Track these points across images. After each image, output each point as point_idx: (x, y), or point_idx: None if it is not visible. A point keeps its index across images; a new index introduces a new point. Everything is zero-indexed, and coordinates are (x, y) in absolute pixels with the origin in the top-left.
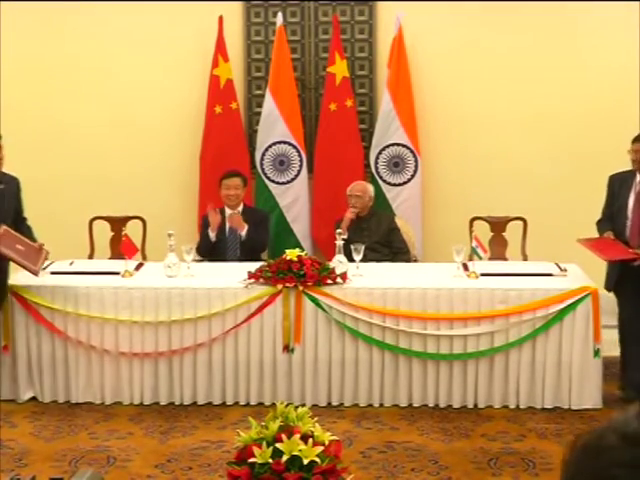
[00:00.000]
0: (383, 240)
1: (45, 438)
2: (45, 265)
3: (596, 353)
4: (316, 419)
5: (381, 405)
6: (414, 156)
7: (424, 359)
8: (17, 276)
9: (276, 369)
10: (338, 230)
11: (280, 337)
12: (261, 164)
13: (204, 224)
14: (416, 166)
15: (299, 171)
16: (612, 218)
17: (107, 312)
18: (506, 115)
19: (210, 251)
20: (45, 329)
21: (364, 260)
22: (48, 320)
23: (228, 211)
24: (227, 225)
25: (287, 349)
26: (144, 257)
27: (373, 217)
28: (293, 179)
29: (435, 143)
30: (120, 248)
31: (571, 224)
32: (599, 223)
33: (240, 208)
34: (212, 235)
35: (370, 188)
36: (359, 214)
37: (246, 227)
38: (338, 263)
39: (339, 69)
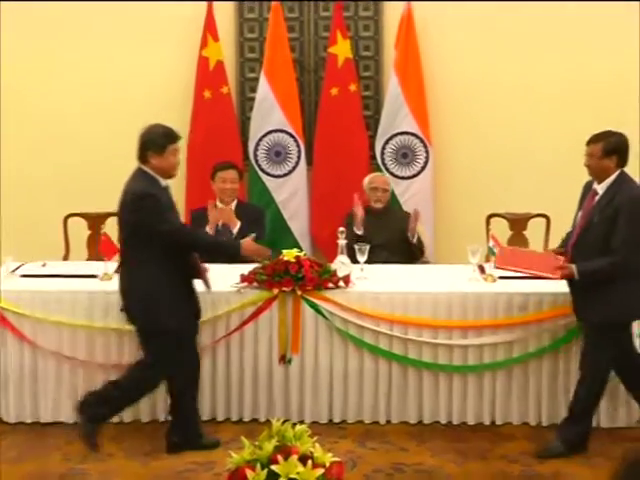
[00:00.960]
0: (397, 239)
1: (11, 460)
2: (14, 267)
3: None
4: (316, 438)
5: (388, 422)
6: (424, 146)
7: (435, 371)
8: None
9: (272, 382)
10: (341, 228)
11: (276, 347)
12: (255, 155)
13: (193, 220)
14: (427, 157)
15: (297, 163)
16: None
17: (82, 319)
18: (527, 101)
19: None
20: (12, 337)
21: (377, 261)
22: (16, 327)
23: (212, 204)
24: (220, 222)
25: (284, 360)
26: None
27: (389, 213)
28: (290, 172)
29: (448, 132)
30: (98, 248)
31: None
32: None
33: (234, 204)
34: (209, 230)
35: (390, 180)
36: (374, 209)
37: (238, 223)
38: (340, 265)
39: (341, 50)
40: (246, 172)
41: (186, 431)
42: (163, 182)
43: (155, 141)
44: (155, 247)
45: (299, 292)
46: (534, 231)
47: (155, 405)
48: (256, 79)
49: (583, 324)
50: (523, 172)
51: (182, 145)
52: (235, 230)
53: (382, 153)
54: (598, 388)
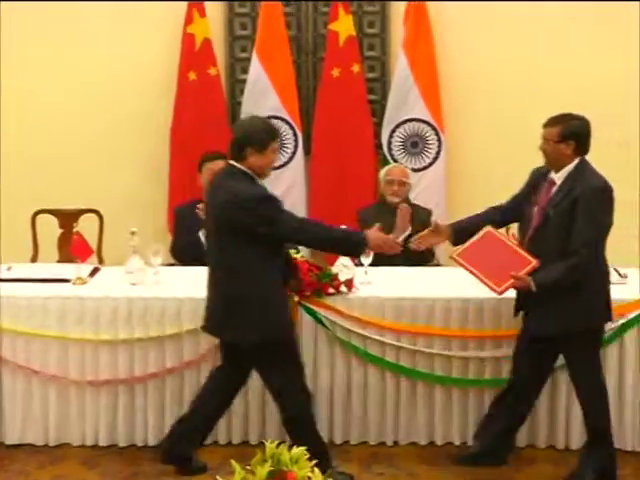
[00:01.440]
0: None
1: None
2: None
3: None
4: (315, 462)
5: (395, 444)
6: (437, 134)
7: (448, 386)
8: None
9: (264, 400)
10: (342, 227)
11: None
12: None
13: (178, 218)
14: (439, 147)
15: (294, 153)
16: (512, 212)
17: (53, 328)
18: (551, 86)
19: (192, 253)
20: None
21: (385, 262)
22: None
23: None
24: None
25: None
26: (100, 260)
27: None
28: (286, 163)
29: (463, 119)
30: (70, 249)
31: (632, 220)
32: (492, 209)
33: None
34: (203, 239)
35: (410, 172)
36: (390, 204)
37: None
38: (342, 268)
39: (343, 26)
40: None
41: (187, 445)
42: (259, 182)
43: (257, 137)
44: (261, 247)
45: (296, 298)
46: None
47: (134, 426)
48: (247, 59)
49: (544, 347)
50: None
51: (165, 133)
52: None
53: (389, 142)
54: (602, 405)
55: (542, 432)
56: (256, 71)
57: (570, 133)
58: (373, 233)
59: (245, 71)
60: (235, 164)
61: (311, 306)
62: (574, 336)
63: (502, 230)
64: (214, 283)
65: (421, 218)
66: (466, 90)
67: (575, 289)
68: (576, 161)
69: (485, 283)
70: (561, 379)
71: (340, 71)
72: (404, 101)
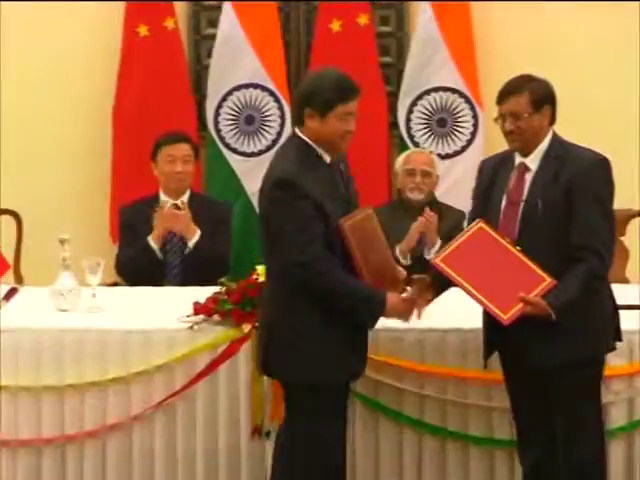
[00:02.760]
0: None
1: None
2: None
3: None
4: None
5: None
6: (472, 109)
7: (490, 448)
8: None
9: (240, 465)
10: None
11: (247, 413)
12: (216, 122)
13: (124, 223)
14: (475, 125)
15: (279, 134)
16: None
17: None
18: (618, 48)
19: (143, 269)
20: None
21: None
22: None
23: (165, 202)
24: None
25: (259, 433)
26: (18, 278)
27: (433, 206)
28: (269, 147)
29: None
30: None
31: None
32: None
33: (185, 197)
34: (155, 246)
35: (436, 160)
36: (410, 201)
37: (197, 233)
38: None
39: None
40: (203, 148)
41: None
42: (326, 156)
43: (319, 95)
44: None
45: None
46: (637, 236)
47: None
48: (217, 8)
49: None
50: (619, 151)
51: (105, 109)
52: (192, 243)
53: (407, 119)
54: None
55: None
56: (228, 24)
57: (543, 97)
58: (395, 299)
59: (214, 24)
60: (297, 131)
61: None
62: (577, 365)
63: None
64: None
65: (450, 223)
66: (511, 50)
67: (585, 301)
68: (550, 134)
69: (482, 303)
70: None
71: (342, 24)
72: (428, 64)
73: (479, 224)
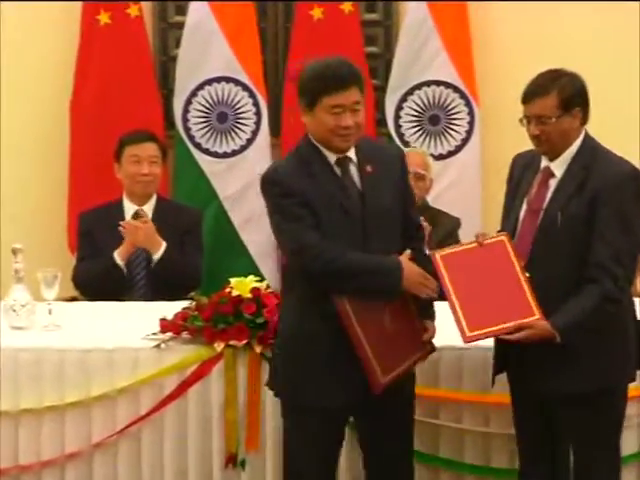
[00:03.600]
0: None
1: None
2: None
3: None
4: None
5: None
6: (468, 105)
7: (486, 477)
8: None
9: None
10: None
11: (220, 440)
12: (184, 120)
13: (83, 230)
14: (471, 123)
15: (255, 133)
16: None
17: None
18: (617, 45)
19: (105, 286)
20: None
21: None
22: None
23: (129, 208)
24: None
25: (234, 462)
26: None
27: (427, 215)
28: (244, 147)
29: (505, 83)
30: None
31: None
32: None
33: (151, 203)
34: (121, 262)
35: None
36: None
37: (163, 245)
38: None
39: None
40: (170, 149)
41: None
42: (330, 154)
43: (305, 87)
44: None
45: (258, 348)
46: None
47: None
48: None
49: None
50: (628, 145)
51: (62, 105)
52: (158, 255)
53: (396, 115)
54: None
55: None
56: (198, 11)
57: (573, 96)
58: (408, 264)
59: (182, 11)
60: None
61: None
62: (595, 396)
63: None
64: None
65: (443, 231)
66: (509, 41)
67: (605, 325)
68: (581, 137)
69: (455, 312)
70: None
71: (323, 10)
72: (418, 55)
73: (502, 237)
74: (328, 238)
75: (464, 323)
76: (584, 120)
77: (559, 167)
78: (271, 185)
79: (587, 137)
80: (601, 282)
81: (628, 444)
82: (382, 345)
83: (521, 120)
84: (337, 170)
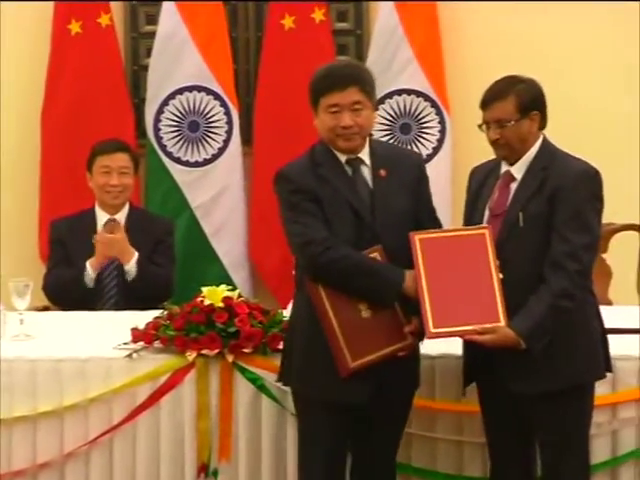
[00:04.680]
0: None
1: None
2: None
3: None
4: None
5: None
6: (439, 114)
7: None
8: None
9: None
10: None
11: (192, 450)
12: (156, 129)
13: (54, 239)
14: (442, 132)
15: (227, 142)
16: None
17: None
18: (596, 51)
19: (76, 296)
20: None
21: None
22: None
23: (102, 217)
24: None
25: (205, 471)
26: None
27: None
28: (216, 157)
29: (476, 92)
30: None
31: None
32: None
33: (124, 212)
34: (91, 273)
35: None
36: None
37: (135, 256)
38: None
39: None
40: (142, 158)
41: None
42: (340, 155)
43: (311, 89)
44: None
45: (230, 358)
46: (620, 253)
47: None
48: (157, 3)
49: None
50: (599, 156)
51: (33, 114)
52: (130, 267)
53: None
54: None
55: None
56: (169, 20)
57: (531, 100)
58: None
59: (153, 21)
60: None
61: (253, 369)
62: (562, 394)
63: None
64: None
65: None
66: (480, 50)
67: (569, 324)
68: (540, 141)
69: (422, 304)
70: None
71: (295, 19)
72: (389, 64)
73: (484, 230)
74: (337, 236)
75: (430, 317)
76: (542, 124)
77: (519, 170)
78: (283, 181)
79: (545, 141)
80: (556, 279)
81: (600, 452)
82: (355, 331)
83: (480, 126)
84: (348, 170)
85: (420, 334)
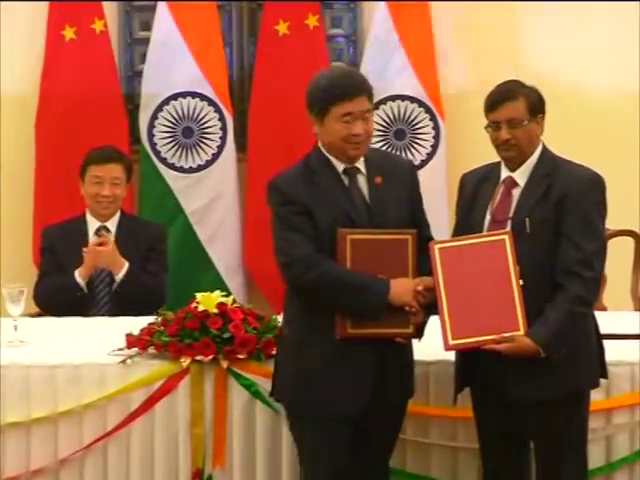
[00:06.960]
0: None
1: None
2: None
3: None
4: None
5: None
6: (433, 119)
7: None
8: None
9: None
10: None
11: (187, 456)
12: (150, 135)
13: (46, 246)
14: (437, 138)
15: (221, 148)
16: None
17: None
18: (586, 49)
19: (66, 305)
20: None
21: None
22: None
23: (92, 225)
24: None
25: (199, 477)
26: None
27: None
28: (210, 162)
29: (470, 98)
30: None
31: None
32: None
33: (115, 219)
34: (81, 281)
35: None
36: None
37: (126, 266)
38: None
39: None
40: (136, 164)
41: None
42: (338, 163)
43: (314, 97)
44: None
45: (225, 364)
46: (615, 259)
47: None
48: (151, 9)
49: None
50: (595, 162)
51: (27, 122)
52: (120, 276)
53: None
54: None
55: None
56: (163, 26)
57: (537, 103)
58: (399, 284)
59: (147, 27)
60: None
61: (248, 375)
62: (559, 402)
63: None
64: None
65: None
66: (475, 57)
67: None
68: (540, 147)
69: (442, 315)
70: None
71: (289, 25)
72: (384, 70)
73: (504, 235)
74: (332, 247)
75: (449, 329)
76: (542, 130)
77: (521, 176)
78: (273, 192)
79: (545, 147)
80: (572, 286)
81: (595, 457)
82: None
83: (486, 127)
84: (345, 180)
85: (421, 329)
